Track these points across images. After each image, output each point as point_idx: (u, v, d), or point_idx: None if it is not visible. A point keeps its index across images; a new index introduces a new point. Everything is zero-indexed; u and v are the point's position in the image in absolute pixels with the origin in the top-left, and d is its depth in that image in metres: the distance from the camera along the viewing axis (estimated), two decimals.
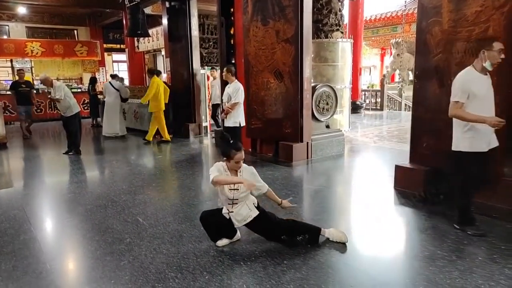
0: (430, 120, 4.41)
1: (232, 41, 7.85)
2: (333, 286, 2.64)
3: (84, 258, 3.23)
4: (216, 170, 3.10)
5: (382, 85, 15.61)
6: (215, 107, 9.67)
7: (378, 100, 15.44)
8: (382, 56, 24.56)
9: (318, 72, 9.13)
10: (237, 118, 5.97)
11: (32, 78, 15.28)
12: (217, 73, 9.51)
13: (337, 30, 9.45)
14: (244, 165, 3.21)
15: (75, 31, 17.91)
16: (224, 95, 6.11)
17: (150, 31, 12.39)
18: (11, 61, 16.30)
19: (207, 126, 10.10)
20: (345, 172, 6.20)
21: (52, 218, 4.32)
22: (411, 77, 16.02)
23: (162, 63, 14.47)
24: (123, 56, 17.28)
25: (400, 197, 4.53)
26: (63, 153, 7.49)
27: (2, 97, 12.29)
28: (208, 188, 5.11)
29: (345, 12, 10.83)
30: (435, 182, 4.42)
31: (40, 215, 4.38)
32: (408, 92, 13.10)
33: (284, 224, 3.28)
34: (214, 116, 9.81)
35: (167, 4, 9.62)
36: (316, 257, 3.03)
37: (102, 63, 18.20)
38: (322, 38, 9.25)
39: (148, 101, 8.53)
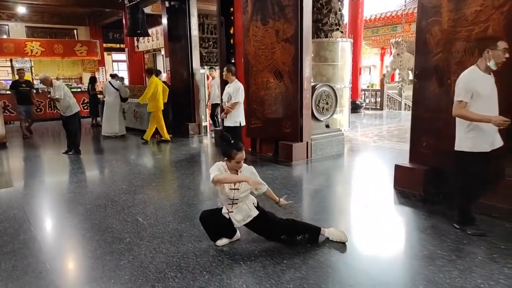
0: (430, 120, 4.41)
1: (231, 40, 7.85)
2: (333, 285, 2.64)
3: (84, 257, 3.23)
4: (216, 169, 3.10)
5: (382, 84, 15.62)
6: (214, 107, 9.66)
7: (378, 99, 15.45)
8: (382, 56, 24.55)
9: (318, 71, 9.14)
10: (238, 118, 5.97)
11: (32, 78, 15.27)
12: (216, 73, 9.50)
13: (337, 29, 9.45)
14: (244, 164, 3.21)
15: (75, 31, 17.90)
16: (224, 95, 6.11)
17: (149, 31, 12.38)
18: (11, 60, 16.30)
19: (206, 126, 10.11)
20: (344, 172, 6.20)
21: (52, 218, 4.32)
22: (411, 76, 16.01)
23: (162, 63, 14.46)
24: (122, 56, 17.28)
25: (399, 197, 4.53)
26: (63, 153, 7.49)
27: (1, 97, 12.28)
28: (207, 187, 5.11)
29: (345, 11, 10.82)
30: (435, 181, 4.42)
31: (40, 214, 4.37)
32: (408, 92, 13.11)
33: (284, 224, 3.28)
34: (213, 116, 9.82)
35: (166, 4, 9.62)
36: (315, 257, 3.03)
37: (101, 62, 18.19)
38: (322, 37, 9.26)
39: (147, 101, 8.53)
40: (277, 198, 3.42)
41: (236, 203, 3.17)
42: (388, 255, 3.19)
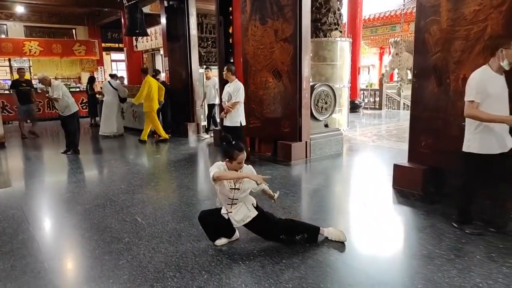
0: (429, 119, 4.41)
1: (230, 40, 7.85)
2: (332, 285, 2.64)
3: (83, 257, 3.22)
4: (216, 168, 3.10)
5: (380, 84, 15.63)
6: (210, 107, 9.59)
7: (377, 99, 15.46)
8: (381, 55, 24.60)
9: (317, 71, 9.14)
10: (238, 118, 5.96)
11: (31, 77, 15.23)
12: (211, 73, 9.45)
13: (336, 29, 9.45)
14: (244, 165, 3.20)
15: (74, 30, 17.88)
16: (224, 94, 6.10)
17: (148, 30, 12.37)
18: (9, 60, 16.27)
19: (205, 126, 10.08)
20: (343, 171, 6.20)
21: (51, 218, 4.31)
22: (409, 76, 16.07)
23: (161, 63, 14.45)
24: (121, 56, 17.26)
25: (398, 196, 4.53)
26: (62, 153, 7.47)
27: (0, 96, 12.27)
28: (206, 187, 5.11)
29: (344, 11, 10.84)
30: (433, 181, 4.43)
31: (39, 214, 4.37)
32: (407, 91, 13.14)
33: (283, 224, 3.28)
34: (209, 117, 9.74)
35: (165, 3, 9.60)
36: (314, 256, 3.04)
37: (100, 62, 18.18)
38: (321, 37, 9.26)
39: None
40: (273, 193, 3.41)
41: (236, 204, 3.17)
42: (386, 254, 3.19)
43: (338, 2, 9.57)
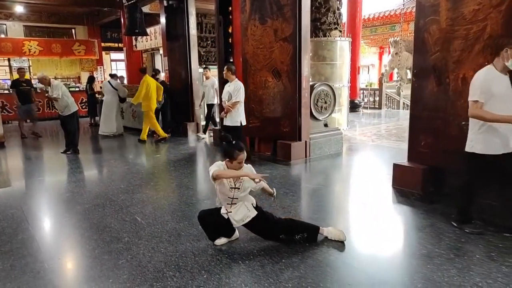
0: (428, 119, 4.41)
1: (230, 40, 7.85)
2: (331, 284, 2.64)
3: (82, 257, 3.22)
4: (216, 167, 3.10)
5: (380, 83, 15.64)
6: (209, 107, 9.57)
7: (377, 98, 15.47)
8: (381, 55, 24.59)
9: (317, 70, 9.14)
10: (238, 118, 5.96)
11: (30, 77, 15.21)
12: (210, 73, 9.44)
13: (336, 28, 9.45)
14: (244, 164, 3.20)
15: (73, 30, 17.86)
16: (224, 94, 6.09)
17: (148, 30, 12.37)
18: (9, 60, 16.25)
19: (203, 125, 10.05)
20: (343, 171, 6.21)
21: (50, 217, 4.31)
22: (409, 75, 16.07)
23: (160, 62, 14.45)
24: (121, 55, 17.25)
25: (398, 196, 4.53)
26: (61, 152, 7.47)
27: (0, 96, 12.26)
28: (206, 187, 5.11)
29: (344, 10, 10.84)
30: (433, 180, 4.43)
31: (38, 214, 4.36)
32: (406, 91, 13.12)
33: (283, 224, 3.28)
34: (208, 116, 9.71)
35: (165, 3, 9.60)
36: (314, 256, 3.04)
37: (100, 62, 18.16)
38: (321, 36, 9.26)
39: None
40: (272, 190, 3.41)
41: (235, 203, 3.17)
42: (386, 254, 3.19)
43: (338, 2, 9.58)
